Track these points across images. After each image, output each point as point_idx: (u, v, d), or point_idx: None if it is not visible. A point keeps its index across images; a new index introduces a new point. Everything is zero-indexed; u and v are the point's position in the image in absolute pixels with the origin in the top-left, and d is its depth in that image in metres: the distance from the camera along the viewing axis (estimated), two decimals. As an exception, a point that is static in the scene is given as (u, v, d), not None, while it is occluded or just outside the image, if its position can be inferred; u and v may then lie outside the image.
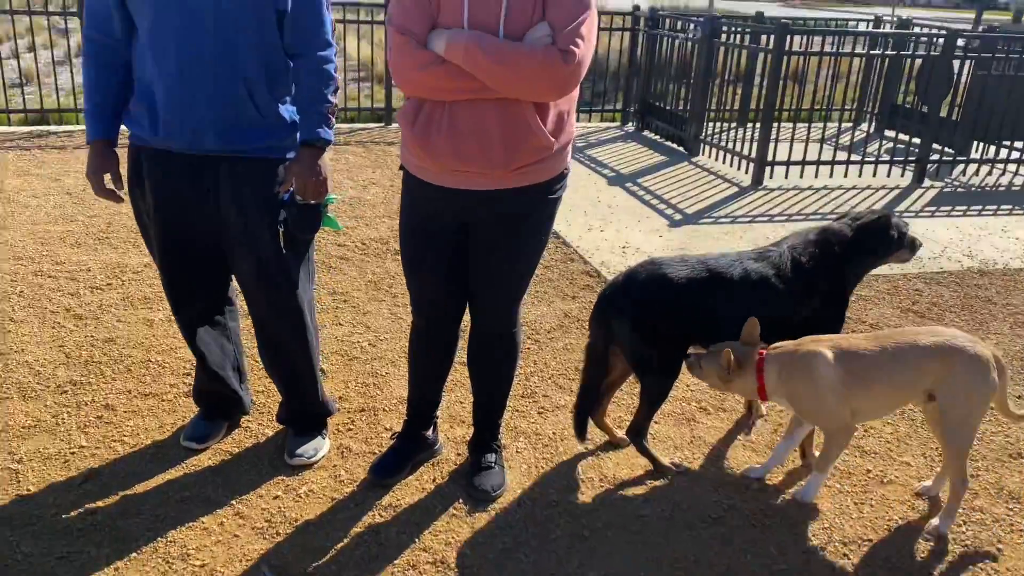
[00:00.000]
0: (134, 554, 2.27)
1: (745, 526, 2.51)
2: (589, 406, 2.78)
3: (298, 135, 2.37)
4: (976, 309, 4.22)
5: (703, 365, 2.56)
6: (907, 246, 2.83)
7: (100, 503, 2.46)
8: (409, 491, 2.60)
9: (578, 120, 8.73)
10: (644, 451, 2.74)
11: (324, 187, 2.37)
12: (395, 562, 2.30)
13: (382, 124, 8.03)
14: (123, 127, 2.42)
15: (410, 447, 2.69)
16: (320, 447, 2.73)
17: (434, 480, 2.66)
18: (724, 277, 2.57)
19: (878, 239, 2.74)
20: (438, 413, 2.77)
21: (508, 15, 2.06)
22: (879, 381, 2.41)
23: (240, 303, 2.74)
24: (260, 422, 2.90)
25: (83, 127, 2.40)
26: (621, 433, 2.83)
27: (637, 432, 2.71)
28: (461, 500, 2.57)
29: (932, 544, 2.46)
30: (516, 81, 2.04)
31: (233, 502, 2.49)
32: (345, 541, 2.36)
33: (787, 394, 2.49)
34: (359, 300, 3.98)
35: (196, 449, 2.72)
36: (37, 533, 2.32)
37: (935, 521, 2.51)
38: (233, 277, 2.61)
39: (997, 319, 4.11)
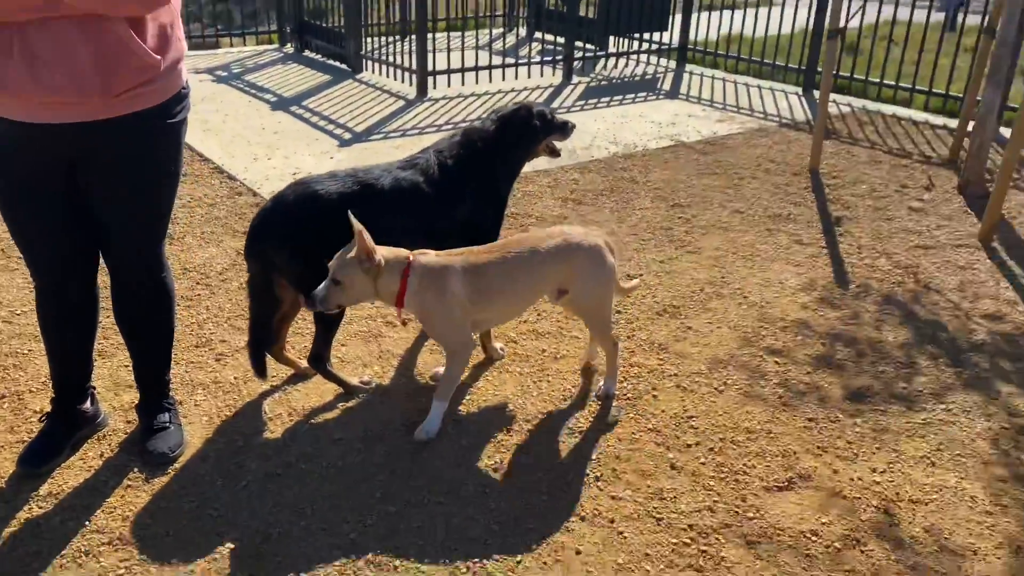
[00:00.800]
0: None
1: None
2: (264, 342, 2.65)
3: None
4: (623, 190, 4.65)
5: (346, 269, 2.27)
6: (558, 129, 2.92)
7: None
8: (72, 473, 2.32)
9: (232, 45, 8.15)
10: (330, 375, 2.69)
11: None
12: (62, 553, 2.05)
13: None
14: None
15: (64, 427, 2.39)
16: (-50, 450, 2.33)
17: (102, 455, 2.40)
18: (376, 188, 2.52)
19: (520, 129, 2.81)
20: (93, 383, 2.48)
21: (71, -85, 1.77)
22: (503, 290, 2.48)
23: None
24: None
25: None
26: (305, 363, 2.74)
27: (318, 358, 2.64)
28: (136, 469, 2.35)
29: (601, 404, 2.71)
30: (91, -8, 1.77)
31: None
32: (-4, 547, 2.06)
33: (418, 306, 2.40)
34: (-16, 273, 3.42)
35: None
36: None
37: (601, 383, 2.77)
38: None
39: (639, 196, 4.57)
